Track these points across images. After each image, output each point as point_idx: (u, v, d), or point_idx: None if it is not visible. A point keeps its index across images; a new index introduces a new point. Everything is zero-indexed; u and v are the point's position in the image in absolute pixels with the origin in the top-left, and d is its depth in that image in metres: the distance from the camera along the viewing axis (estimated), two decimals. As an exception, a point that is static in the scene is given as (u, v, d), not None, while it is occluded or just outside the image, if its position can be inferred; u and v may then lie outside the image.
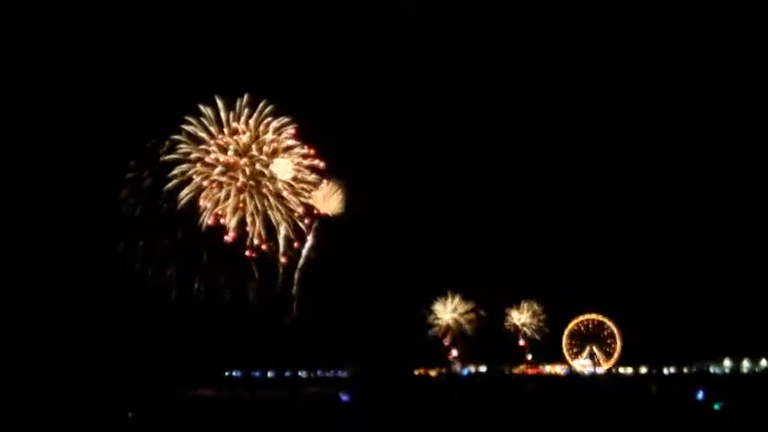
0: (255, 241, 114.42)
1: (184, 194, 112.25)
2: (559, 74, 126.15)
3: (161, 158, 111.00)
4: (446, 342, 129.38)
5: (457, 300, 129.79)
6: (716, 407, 72.71)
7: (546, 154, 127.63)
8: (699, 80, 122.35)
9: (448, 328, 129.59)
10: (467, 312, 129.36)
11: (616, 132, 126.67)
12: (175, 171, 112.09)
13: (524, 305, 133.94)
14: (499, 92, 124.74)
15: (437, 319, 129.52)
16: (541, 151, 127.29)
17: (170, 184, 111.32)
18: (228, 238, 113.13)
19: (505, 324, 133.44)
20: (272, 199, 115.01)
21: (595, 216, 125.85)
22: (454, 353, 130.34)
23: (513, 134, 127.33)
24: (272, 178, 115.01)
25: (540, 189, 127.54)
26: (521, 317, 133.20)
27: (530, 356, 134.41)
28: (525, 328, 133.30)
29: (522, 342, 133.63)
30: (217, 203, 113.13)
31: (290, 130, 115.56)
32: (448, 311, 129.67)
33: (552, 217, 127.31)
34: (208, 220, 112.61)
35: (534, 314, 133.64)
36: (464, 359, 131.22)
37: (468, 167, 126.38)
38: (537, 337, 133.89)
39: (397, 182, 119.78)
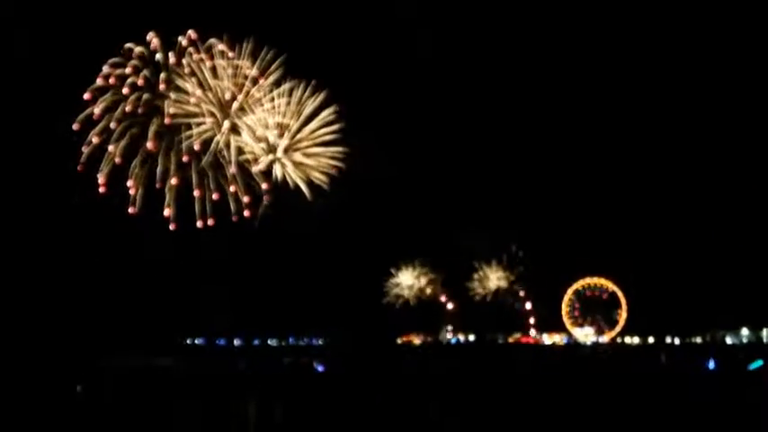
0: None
1: (107, 164, 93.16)
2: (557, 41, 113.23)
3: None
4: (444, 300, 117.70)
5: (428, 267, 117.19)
6: (753, 366, 63.77)
7: (545, 101, 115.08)
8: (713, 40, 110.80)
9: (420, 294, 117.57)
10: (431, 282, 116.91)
11: (624, 87, 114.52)
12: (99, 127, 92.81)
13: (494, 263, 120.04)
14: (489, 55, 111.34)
15: (399, 287, 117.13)
16: (540, 98, 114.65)
17: (88, 148, 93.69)
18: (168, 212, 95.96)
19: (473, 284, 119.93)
20: (232, 167, 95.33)
21: (596, 166, 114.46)
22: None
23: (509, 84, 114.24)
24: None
25: (534, 134, 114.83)
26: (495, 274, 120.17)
27: (532, 320, 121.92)
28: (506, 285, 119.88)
29: (526, 303, 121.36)
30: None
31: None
32: (410, 278, 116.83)
33: (546, 168, 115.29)
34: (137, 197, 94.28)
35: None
36: (455, 327, 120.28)
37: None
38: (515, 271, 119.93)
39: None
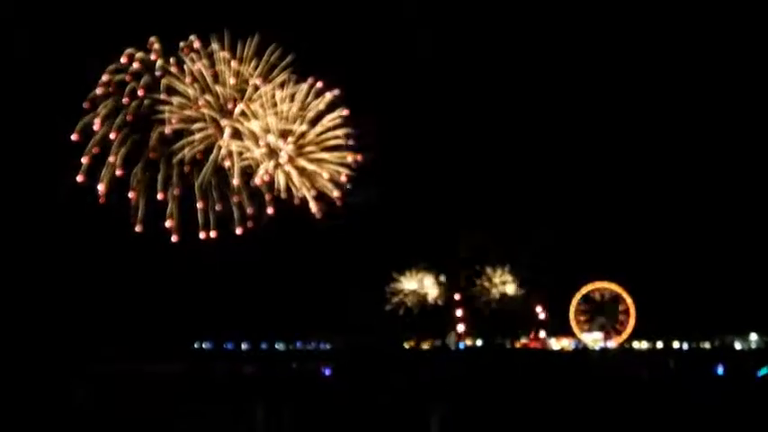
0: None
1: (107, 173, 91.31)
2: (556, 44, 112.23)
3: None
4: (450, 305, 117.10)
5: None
6: (762, 372, 63.31)
7: (552, 102, 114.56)
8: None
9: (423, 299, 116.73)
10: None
11: (630, 91, 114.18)
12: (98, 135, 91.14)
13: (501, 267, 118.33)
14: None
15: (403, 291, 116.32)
16: (546, 98, 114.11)
17: (88, 157, 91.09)
18: (169, 223, 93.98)
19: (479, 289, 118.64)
20: (235, 178, 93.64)
21: (603, 168, 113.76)
22: (460, 328, 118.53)
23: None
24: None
25: (541, 137, 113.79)
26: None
27: (542, 315, 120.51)
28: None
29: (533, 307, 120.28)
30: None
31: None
32: (414, 283, 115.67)
33: (553, 171, 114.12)
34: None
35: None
36: (462, 332, 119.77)
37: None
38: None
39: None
